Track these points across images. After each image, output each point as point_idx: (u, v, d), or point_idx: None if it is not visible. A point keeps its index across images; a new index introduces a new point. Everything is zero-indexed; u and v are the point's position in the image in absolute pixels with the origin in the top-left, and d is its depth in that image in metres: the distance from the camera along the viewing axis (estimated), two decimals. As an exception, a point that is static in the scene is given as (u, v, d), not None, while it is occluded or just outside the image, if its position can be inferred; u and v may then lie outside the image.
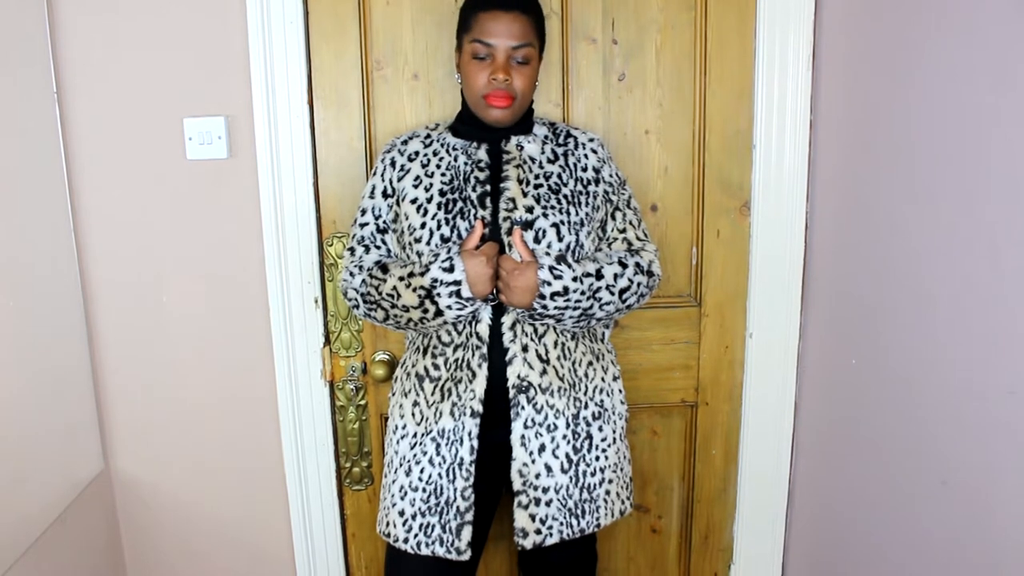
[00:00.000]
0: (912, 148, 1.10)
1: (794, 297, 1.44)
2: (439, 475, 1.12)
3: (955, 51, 1.00)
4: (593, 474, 1.15)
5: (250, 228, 1.40)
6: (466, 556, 1.12)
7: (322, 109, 1.37)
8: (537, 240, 1.11)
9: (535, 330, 1.13)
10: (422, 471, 1.13)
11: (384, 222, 1.18)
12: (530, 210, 1.12)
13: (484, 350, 1.12)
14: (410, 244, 1.14)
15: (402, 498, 1.14)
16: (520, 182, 1.14)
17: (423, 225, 1.13)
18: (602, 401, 1.18)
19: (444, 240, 1.11)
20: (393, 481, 1.16)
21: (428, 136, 1.21)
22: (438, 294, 1.07)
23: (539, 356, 1.13)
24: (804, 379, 1.46)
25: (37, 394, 1.27)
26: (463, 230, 1.11)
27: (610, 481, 1.17)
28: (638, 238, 1.20)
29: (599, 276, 1.11)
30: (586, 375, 1.17)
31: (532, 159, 1.17)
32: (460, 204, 1.13)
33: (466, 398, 1.11)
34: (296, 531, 1.48)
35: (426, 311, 1.09)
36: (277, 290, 1.41)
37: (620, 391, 1.23)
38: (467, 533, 1.11)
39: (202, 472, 1.47)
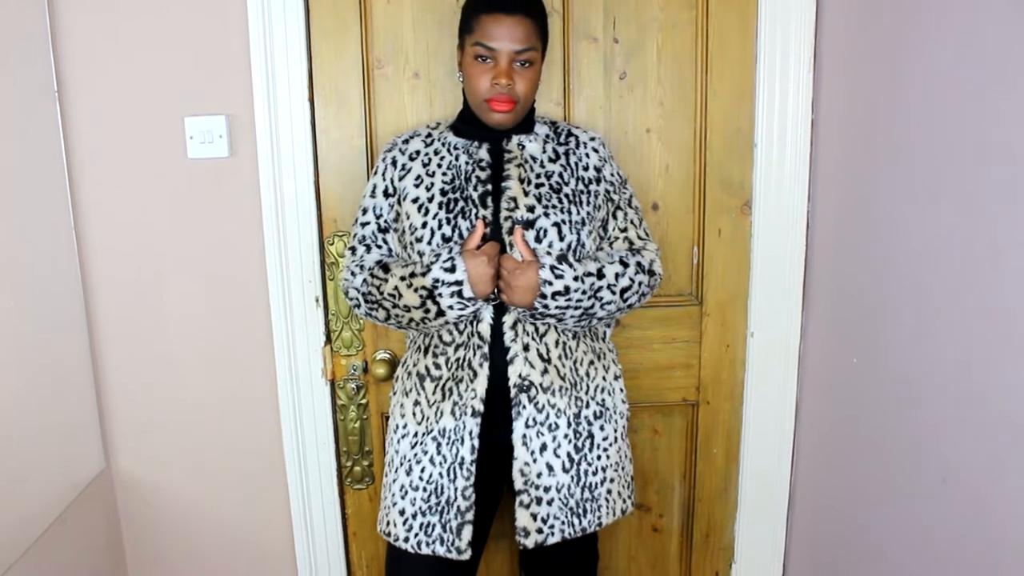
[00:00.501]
0: (912, 147, 1.10)
1: (795, 296, 1.45)
2: (440, 474, 1.13)
3: (955, 51, 1.01)
4: (595, 473, 1.16)
5: (251, 226, 1.40)
6: (467, 556, 1.13)
7: (323, 107, 1.37)
8: (538, 239, 1.12)
9: (536, 329, 1.14)
10: (423, 470, 1.14)
11: (385, 221, 1.19)
12: (531, 209, 1.13)
13: (485, 349, 1.12)
14: (411, 243, 1.15)
15: (402, 497, 1.15)
16: (521, 181, 1.15)
17: (424, 224, 1.13)
18: (603, 400, 1.19)
19: (445, 240, 1.12)
20: (394, 480, 1.17)
21: (429, 135, 1.22)
22: (440, 294, 1.08)
23: (540, 355, 1.14)
24: (805, 378, 1.47)
25: (38, 393, 1.28)
26: (464, 229, 1.12)
27: (611, 480, 1.18)
28: (639, 237, 1.21)
29: (600, 275, 1.12)
30: (587, 374, 1.18)
31: (533, 158, 1.18)
32: (461, 203, 1.14)
33: (467, 397, 1.12)
34: (297, 530, 1.49)
35: (428, 311, 1.10)
36: (278, 289, 1.41)
37: (621, 390, 1.23)
38: (468, 532, 1.12)
39: (203, 471, 1.48)
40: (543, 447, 1.13)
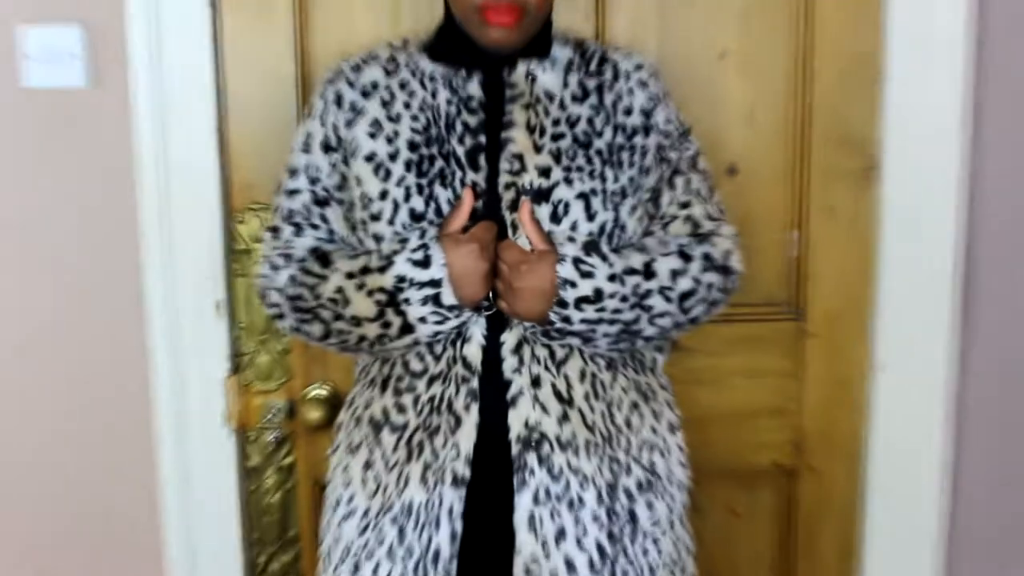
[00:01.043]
0: None
1: (947, 308, 1.46)
2: (404, 575, 1.14)
3: None
4: (639, 574, 1.17)
5: (119, 194, 1.41)
6: None
7: (232, 13, 1.39)
8: (556, 218, 1.13)
9: (552, 355, 1.15)
10: (377, 568, 1.15)
11: (325, 189, 1.20)
12: (546, 173, 1.14)
13: (474, 384, 1.13)
14: (364, 223, 1.16)
15: (347, 610, 1.17)
16: (531, 130, 1.16)
17: (384, 194, 1.14)
18: (653, 463, 1.20)
19: (416, 218, 1.13)
20: (334, 583, 1.19)
21: (393, 60, 1.23)
22: (406, 300, 1.09)
23: (557, 394, 1.15)
24: (966, 435, 1.47)
25: None
26: (444, 203, 1.13)
27: (664, 584, 1.20)
28: (709, 216, 1.21)
29: (649, 274, 1.13)
30: (628, 424, 1.19)
31: (550, 96, 1.19)
32: (440, 163, 1.15)
33: (446, 457, 1.13)
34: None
35: (387, 325, 1.11)
36: (159, 288, 1.42)
37: (680, 448, 1.24)
38: (447, 664, 1.14)
39: (44, 572, 1.49)
40: (561, 534, 1.14)
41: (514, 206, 1.13)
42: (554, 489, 1.13)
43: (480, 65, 1.19)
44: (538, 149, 1.15)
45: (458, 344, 1.14)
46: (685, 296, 1.14)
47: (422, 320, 1.10)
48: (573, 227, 1.13)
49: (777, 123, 1.45)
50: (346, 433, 1.23)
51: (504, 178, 1.14)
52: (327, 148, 1.20)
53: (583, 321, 1.10)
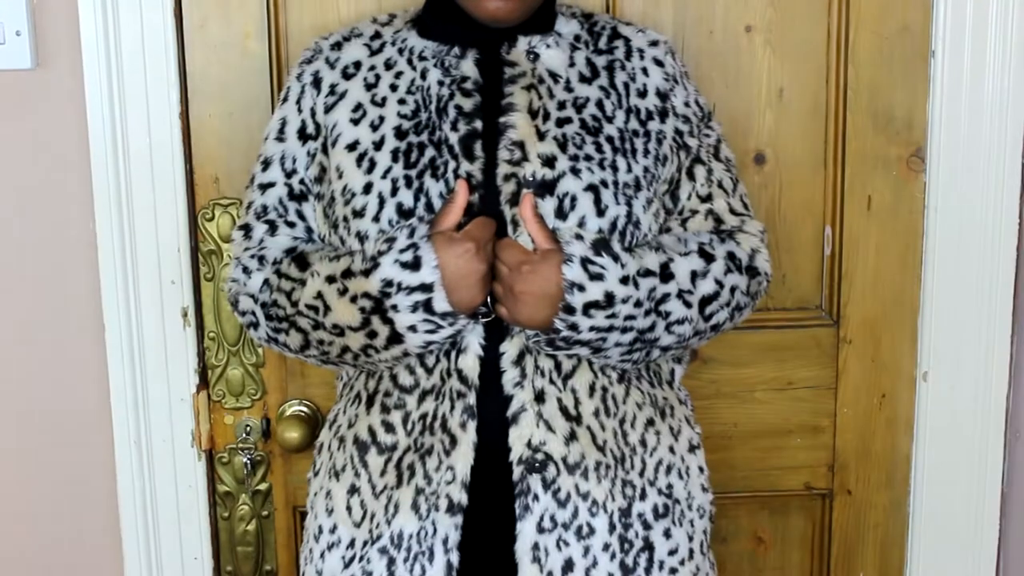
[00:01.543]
0: None
1: (1001, 312, 1.46)
2: (393, 612, 1.14)
3: None
4: (656, 611, 1.18)
5: (70, 189, 1.41)
6: None
7: (197, -13, 1.39)
8: (562, 213, 1.13)
9: (557, 367, 1.15)
10: (363, 605, 1.15)
11: (302, 182, 1.20)
12: (550, 162, 1.14)
13: (471, 400, 1.14)
14: (346, 220, 1.16)
15: (329, 652, 1.17)
16: (534, 115, 1.16)
17: (368, 188, 1.14)
18: (670, 487, 1.20)
19: (404, 214, 1.13)
20: (315, 622, 1.19)
21: (377, 36, 1.23)
22: (394, 307, 1.09)
23: (564, 410, 1.15)
24: (1021, 453, 1.47)
25: None
26: (436, 197, 1.13)
27: (684, 622, 1.19)
28: (733, 210, 1.22)
29: (666, 276, 1.13)
30: (643, 443, 1.19)
31: (554, 76, 1.18)
32: (431, 152, 1.15)
33: (440, 482, 1.13)
34: None
35: (373, 335, 1.11)
36: (117, 294, 1.42)
37: (701, 470, 1.24)
38: None
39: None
40: (568, 566, 1.14)
41: (514, 200, 1.13)
42: (560, 516, 1.14)
43: (476, 42, 1.19)
44: (541, 136, 1.15)
45: (453, 355, 1.14)
46: (706, 301, 1.14)
47: (412, 329, 1.09)
48: (581, 223, 1.13)
49: (809, 105, 1.45)
50: (328, 455, 1.23)
51: (503, 168, 1.14)
52: (304, 136, 1.20)
53: (592, 329, 1.10)
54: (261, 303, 1.17)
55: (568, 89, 1.18)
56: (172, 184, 1.42)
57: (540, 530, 1.13)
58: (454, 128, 1.15)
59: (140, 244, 1.42)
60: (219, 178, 1.43)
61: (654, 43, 1.24)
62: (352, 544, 1.18)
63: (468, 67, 1.18)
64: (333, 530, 1.19)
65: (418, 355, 1.14)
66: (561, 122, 1.16)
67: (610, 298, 1.09)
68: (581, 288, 1.08)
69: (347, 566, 1.17)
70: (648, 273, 1.11)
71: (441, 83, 1.18)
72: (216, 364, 1.47)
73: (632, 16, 1.41)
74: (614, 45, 1.23)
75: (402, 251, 1.08)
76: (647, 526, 1.17)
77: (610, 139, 1.17)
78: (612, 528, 1.15)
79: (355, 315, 1.10)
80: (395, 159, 1.15)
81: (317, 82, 1.21)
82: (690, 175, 1.22)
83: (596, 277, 1.09)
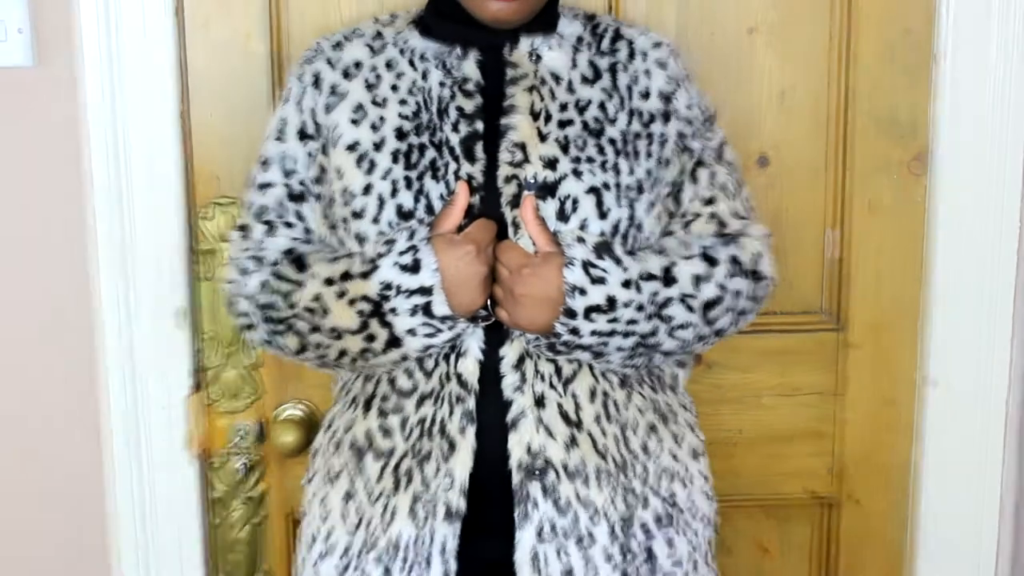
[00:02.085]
0: None
1: (1008, 316, 1.47)
2: (390, 621, 1.16)
3: None
4: (657, 619, 1.19)
5: (67, 187, 1.41)
6: None
7: (197, -15, 1.42)
8: (564, 216, 1.13)
9: (557, 371, 1.16)
10: (360, 613, 1.17)
11: (301, 182, 1.21)
12: (551, 164, 1.14)
13: (470, 404, 1.14)
14: (345, 221, 1.16)
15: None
16: (535, 116, 1.16)
17: (368, 189, 1.15)
18: (673, 494, 1.20)
19: (404, 215, 1.14)
20: (311, 630, 1.20)
21: (378, 36, 1.23)
22: (393, 310, 1.10)
23: (564, 415, 1.15)
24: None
25: None
26: (436, 198, 1.14)
27: (686, 631, 1.21)
28: (736, 214, 1.22)
29: (669, 279, 1.13)
30: (645, 449, 1.19)
31: (556, 77, 1.19)
32: (432, 154, 1.15)
33: (438, 488, 1.13)
34: None
35: (372, 338, 1.11)
36: (112, 294, 1.43)
37: (704, 476, 1.25)
38: None
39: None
40: (568, 575, 1.13)
41: (515, 202, 1.14)
42: (561, 524, 1.13)
43: (477, 42, 1.20)
44: (543, 137, 1.15)
45: (452, 359, 1.15)
46: (710, 305, 1.15)
47: (411, 332, 1.10)
48: (583, 226, 1.13)
49: (813, 107, 1.46)
50: (324, 459, 1.23)
51: (504, 170, 1.15)
52: (304, 136, 1.21)
53: (594, 333, 1.11)
54: (258, 305, 1.17)
55: (570, 91, 1.19)
56: (171, 183, 1.42)
57: (540, 538, 1.13)
58: (455, 129, 1.16)
59: (138, 243, 1.42)
60: (219, 177, 1.43)
61: (657, 45, 1.25)
62: (347, 551, 1.17)
63: (470, 68, 1.19)
64: (328, 537, 1.19)
65: (417, 359, 1.14)
66: (563, 124, 1.17)
67: (612, 302, 1.10)
68: (583, 292, 1.09)
69: (342, 574, 1.17)
70: (650, 277, 1.12)
71: (442, 84, 1.18)
72: (211, 366, 1.47)
73: (635, 18, 1.42)
74: (617, 47, 1.23)
75: (401, 253, 1.09)
76: (649, 535, 1.17)
77: (612, 141, 1.17)
78: (613, 536, 1.15)
79: (353, 318, 1.11)
80: (395, 160, 1.15)
81: (318, 82, 1.21)
82: (693, 178, 1.22)
83: (598, 280, 1.10)
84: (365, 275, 1.10)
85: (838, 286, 1.49)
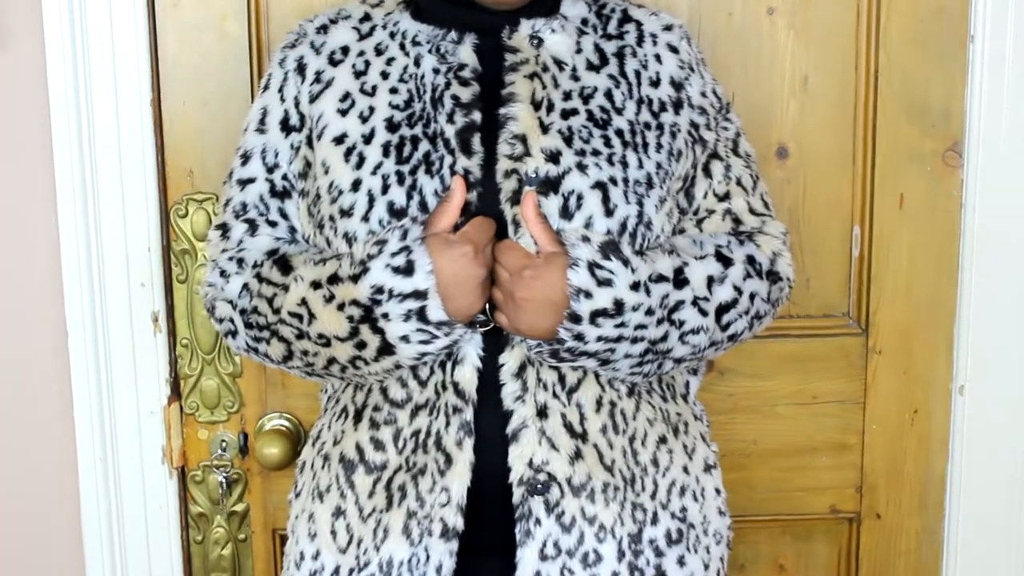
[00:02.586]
0: None
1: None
2: (381, 646, 1.15)
3: None
4: (668, 645, 1.18)
5: (32, 182, 1.42)
6: None
7: (169, -36, 1.40)
8: (567, 213, 1.13)
9: (561, 379, 1.16)
10: (350, 639, 1.16)
11: (285, 177, 1.21)
12: (554, 158, 1.14)
13: (468, 415, 1.14)
14: (332, 219, 1.16)
15: None
16: (537, 106, 1.16)
17: (357, 185, 1.15)
18: (684, 510, 1.21)
19: (395, 213, 1.13)
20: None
21: (367, 18, 1.23)
22: (385, 315, 1.09)
23: (568, 427, 1.15)
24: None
25: None
26: (431, 195, 1.13)
27: (699, 659, 1.20)
28: (752, 210, 1.22)
29: (680, 281, 1.13)
30: (655, 462, 1.19)
31: (559, 63, 1.19)
32: (425, 146, 1.15)
33: (433, 504, 1.14)
34: None
35: (363, 346, 1.11)
36: (81, 297, 1.43)
37: (718, 491, 1.25)
38: None
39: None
40: (573, 597, 1.15)
41: (516, 198, 1.13)
42: (565, 542, 1.14)
43: (474, 25, 1.19)
44: (545, 129, 1.15)
45: (448, 367, 1.14)
46: (724, 308, 1.15)
47: (404, 339, 1.09)
48: (588, 224, 1.13)
49: (837, 94, 1.46)
50: (311, 474, 1.23)
51: (503, 164, 1.14)
52: (287, 127, 1.21)
53: (600, 339, 1.10)
54: (240, 310, 1.17)
55: (574, 78, 1.19)
56: (142, 178, 1.42)
57: (543, 557, 1.14)
58: (450, 120, 1.16)
59: (107, 242, 1.43)
60: (193, 171, 1.44)
61: (668, 27, 1.24)
62: (337, 572, 1.18)
63: (466, 53, 1.19)
64: (316, 556, 1.20)
65: (411, 367, 1.14)
66: (566, 114, 1.16)
67: (619, 306, 1.09)
68: (588, 295, 1.09)
69: None
70: (660, 278, 1.12)
71: (436, 71, 1.18)
72: (189, 374, 1.48)
73: (645, -2, 1.42)
74: (624, 30, 1.23)
75: (394, 254, 1.09)
76: (659, 553, 1.18)
77: (620, 132, 1.17)
78: (621, 555, 1.16)
79: (342, 324, 1.10)
80: (386, 154, 1.15)
81: (301, 69, 1.21)
82: (706, 171, 1.22)
83: (604, 283, 1.09)
84: (355, 278, 1.09)
85: (863, 287, 1.49)
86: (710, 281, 1.14)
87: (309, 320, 1.12)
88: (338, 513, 1.19)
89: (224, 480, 1.49)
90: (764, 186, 1.26)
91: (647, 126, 1.19)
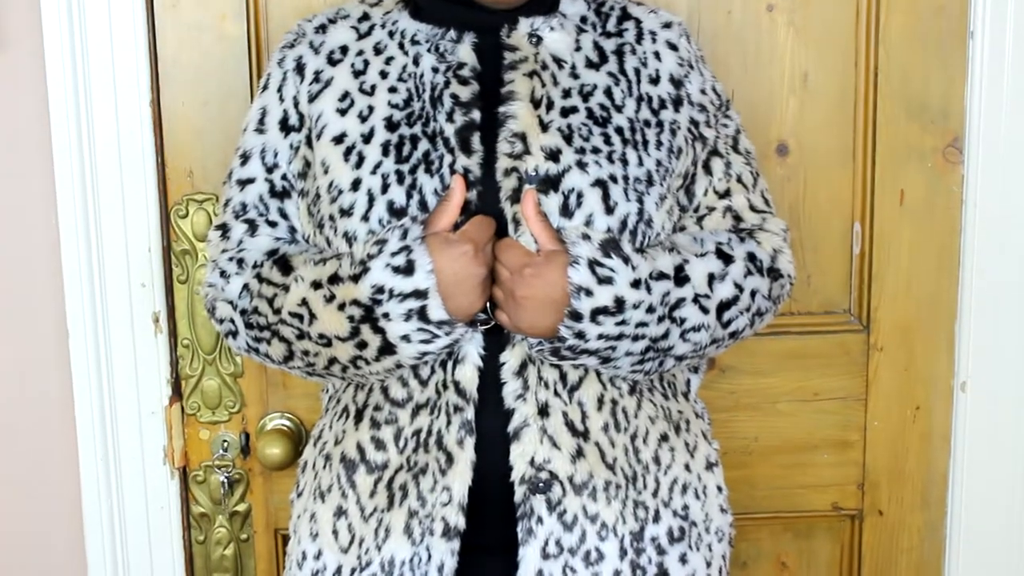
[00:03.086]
0: None
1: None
2: (384, 645, 1.15)
3: None
4: (670, 643, 1.18)
5: (32, 182, 1.42)
6: None
7: (168, -37, 1.40)
8: (568, 211, 1.13)
9: (562, 377, 1.16)
10: (352, 639, 1.16)
11: (284, 177, 1.21)
12: (554, 156, 1.14)
13: (469, 414, 1.14)
14: (332, 219, 1.17)
15: None
16: (536, 104, 1.16)
17: (357, 184, 1.15)
18: (686, 508, 1.21)
19: (395, 213, 1.13)
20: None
21: (365, 17, 1.23)
22: (386, 315, 1.09)
23: (570, 425, 1.15)
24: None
25: None
26: (430, 194, 1.14)
27: (701, 657, 1.20)
28: (753, 207, 1.23)
29: (681, 279, 1.13)
30: (657, 460, 1.20)
31: (559, 61, 1.19)
32: (425, 146, 1.15)
33: (435, 503, 1.14)
34: None
35: (363, 346, 1.11)
36: (81, 298, 1.44)
37: (719, 489, 1.26)
38: None
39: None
40: (575, 595, 1.15)
41: (515, 196, 1.14)
42: (567, 540, 1.14)
43: (473, 24, 1.19)
44: (545, 127, 1.15)
45: (449, 366, 1.15)
46: (725, 306, 1.15)
47: (405, 339, 1.10)
48: (588, 222, 1.13)
49: (837, 91, 1.46)
50: (313, 474, 1.24)
51: (503, 162, 1.14)
52: (286, 127, 1.21)
53: (601, 337, 1.10)
54: (240, 310, 1.18)
55: (574, 76, 1.19)
56: (142, 178, 1.43)
57: (545, 556, 1.14)
58: (450, 119, 1.16)
59: (107, 243, 1.43)
60: (193, 172, 1.44)
61: (667, 25, 1.25)
62: (339, 572, 1.18)
63: (465, 52, 1.19)
64: (318, 556, 1.20)
65: (412, 366, 1.14)
66: (566, 112, 1.17)
67: (620, 303, 1.09)
68: (588, 293, 1.09)
69: None
70: (661, 276, 1.12)
71: (435, 70, 1.18)
72: (190, 374, 1.48)
73: (644, -5, 1.42)
74: (624, 27, 1.23)
75: (394, 254, 1.09)
76: (661, 551, 1.18)
77: (619, 130, 1.17)
78: (623, 553, 1.16)
79: (343, 324, 1.10)
80: (385, 153, 1.15)
81: (300, 68, 1.21)
82: (707, 169, 1.22)
83: (605, 281, 1.09)
84: (355, 278, 1.09)
85: (864, 284, 1.49)
86: (711, 278, 1.14)
87: (310, 320, 1.12)
88: (340, 513, 1.19)
89: (226, 480, 1.49)
90: (764, 183, 1.26)
91: (647, 123, 1.19)
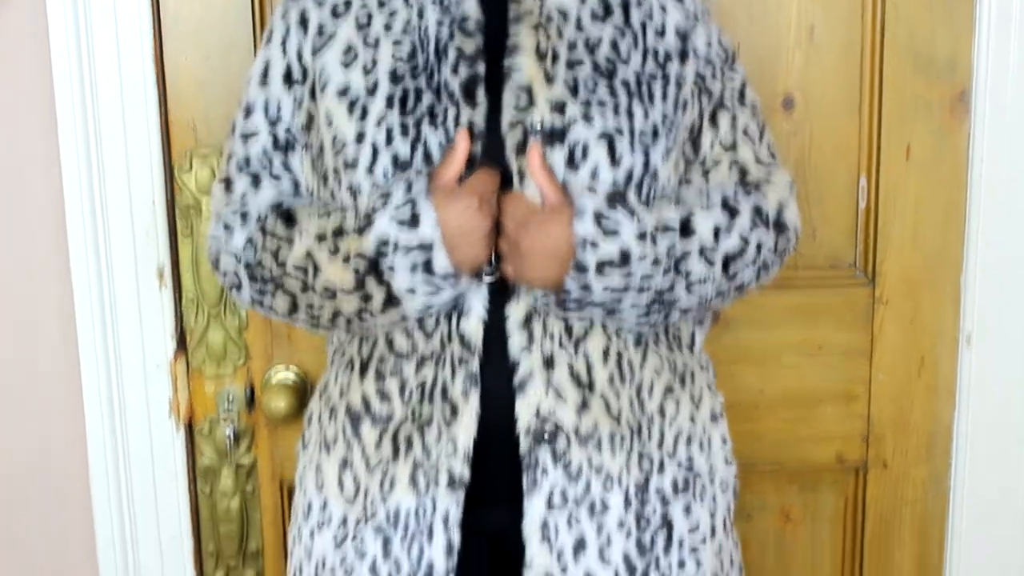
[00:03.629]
0: None
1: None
2: (389, 596, 1.16)
3: None
4: (674, 592, 1.19)
5: (35, 137, 1.42)
6: None
7: (170, -86, 1.40)
8: (573, 164, 1.13)
9: (567, 330, 1.17)
10: (357, 589, 1.18)
11: (288, 130, 1.21)
12: (559, 108, 1.14)
13: (474, 366, 1.15)
14: (336, 172, 1.17)
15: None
16: (542, 56, 1.16)
17: (361, 137, 1.15)
18: (691, 459, 1.22)
19: (400, 165, 1.14)
20: (305, 607, 1.21)
21: (369, -31, 1.23)
22: (391, 267, 1.09)
23: (575, 377, 1.16)
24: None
25: None
26: (435, 147, 1.14)
27: (705, 605, 1.21)
28: (758, 159, 1.23)
29: (687, 231, 1.13)
30: (661, 412, 1.21)
31: (564, 13, 1.19)
32: (429, 98, 1.15)
33: (440, 454, 1.15)
34: None
35: (368, 298, 1.12)
36: (85, 251, 1.44)
37: (724, 440, 1.27)
38: None
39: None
40: (580, 545, 1.16)
41: (521, 149, 1.14)
42: (572, 491, 1.15)
43: (477, -24, 1.19)
44: (550, 79, 1.15)
45: (454, 318, 1.15)
46: (730, 258, 1.15)
47: (410, 291, 1.10)
48: (594, 175, 1.14)
49: (843, 44, 1.46)
50: (318, 426, 1.25)
51: (508, 115, 1.14)
52: (290, 80, 1.21)
53: (606, 289, 1.11)
54: (245, 263, 1.18)
55: (579, 28, 1.18)
56: (145, 133, 1.43)
57: (550, 506, 1.15)
58: (454, 72, 1.15)
59: (111, 198, 1.44)
60: (196, 126, 1.44)
61: None
62: (344, 522, 1.20)
63: (469, 5, 1.18)
64: (324, 507, 1.22)
65: (416, 319, 1.15)
66: (572, 64, 1.16)
67: (625, 256, 1.10)
68: (594, 245, 1.09)
69: (338, 546, 1.19)
70: (667, 229, 1.12)
71: (440, 23, 1.18)
72: (195, 328, 1.49)
73: (649, -54, 1.41)
74: None
75: (399, 207, 1.09)
76: (665, 502, 1.19)
77: (625, 83, 1.17)
78: (628, 504, 1.17)
79: (348, 276, 1.11)
80: (390, 105, 1.15)
81: (304, 21, 1.21)
82: (713, 122, 1.22)
83: (610, 233, 1.09)
84: (360, 230, 1.10)
85: (870, 238, 1.50)
86: (716, 231, 1.15)
87: (314, 273, 1.13)
88: (345, 464, 1.20)
89: (231, 433, 1.51)
90: (770, 136, 1.26)
91: (652, 77, 1.19)
